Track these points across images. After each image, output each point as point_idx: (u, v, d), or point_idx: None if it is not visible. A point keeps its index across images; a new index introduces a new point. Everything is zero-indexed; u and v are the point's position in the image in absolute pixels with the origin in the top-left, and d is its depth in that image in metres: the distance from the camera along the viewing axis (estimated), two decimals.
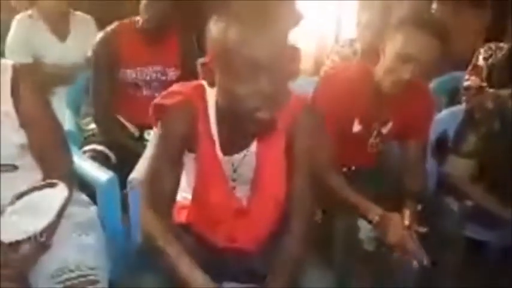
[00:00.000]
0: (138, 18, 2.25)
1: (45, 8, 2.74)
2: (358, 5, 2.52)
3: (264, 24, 1.14)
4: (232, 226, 1.41)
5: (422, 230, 1.70)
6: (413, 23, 1.70)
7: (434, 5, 2.65)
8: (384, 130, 1.90)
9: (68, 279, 1.31)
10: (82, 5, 2.91)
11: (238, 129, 1.26)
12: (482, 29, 2.65)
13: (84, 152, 2.14)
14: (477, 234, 1.96)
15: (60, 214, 1.31)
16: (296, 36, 1.81)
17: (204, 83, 1.27)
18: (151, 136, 1.46)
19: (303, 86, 1.94)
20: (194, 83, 1.34)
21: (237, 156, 1.34)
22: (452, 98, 2.47)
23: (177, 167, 1.33)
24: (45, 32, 2.76)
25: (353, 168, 1.99)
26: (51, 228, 1.29)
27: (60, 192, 1.32)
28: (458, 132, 1.99)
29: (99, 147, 2.17)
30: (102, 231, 1.54)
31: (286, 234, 1.36)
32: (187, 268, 1.25)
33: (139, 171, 1.62)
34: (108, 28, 2.28)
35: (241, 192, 1.39)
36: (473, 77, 2.33)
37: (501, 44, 2.35)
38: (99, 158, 2.08)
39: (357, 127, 1.85)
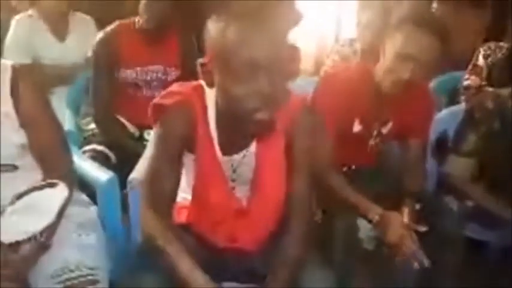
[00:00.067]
0: (138, 18, 2.25)
1: (45, 8, 2.74)
2: (358, 5, 2.52)
3: (263, 24, 1.14)
4: (232, 226, 1.41)
5: (422, 229, 1.70)
6: (413, 22, 1.70)
7: (434, 5, 2.65)
8: (384, 130, 1.90)
9: (68, 279, 1.31)
10: (82, 5, 2.91)
11: (237, 129, 1.26)
12: (482, 29, 2.65)
13: (84, 152, 2.14)
14: (477, 234, 1.96)
15: (60, 214, 1.31)
16: (296, 36, 1.80)
17: (203, 83, 1.27)
18: (151, 136, 1.46)
19: (303, 86, 1.95)
20: (193, 83, 1.34)
21: (236, 157, 1.34)
22: (452, 97, 2.47)
23: (177, 167, 1.33)
24: (44, 32, 2.76)
25: (353, 167, 1.99)
26: (51, 228, 1.29)
27: (60, 192, 1.32)
28: (458, 132, 1.99)
29: (99, 147, 2.17)
30: (102, 231, 1.54)
31: (286, 234, 1.36)
32: (188, 268, 1.25)
33: (139, 171, 1.62)
34: (108, 28, 2.28)
35: (241, 193, 1.39)
36: (473, 77, 2.33)
37: (501, 44, 2.35)
38: (99, 158, 2.07)
39: (357, 127, 1.86)
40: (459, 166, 1.98)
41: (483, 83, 2.29)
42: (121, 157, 2.14)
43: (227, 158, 1.35)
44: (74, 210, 1.46)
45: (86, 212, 1.54)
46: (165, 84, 2.15)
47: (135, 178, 1.63)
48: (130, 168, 1.68)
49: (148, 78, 2.29)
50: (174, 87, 1.36)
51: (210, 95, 1.29)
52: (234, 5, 1.18)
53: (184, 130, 1.30)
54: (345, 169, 1.95)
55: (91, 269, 1.35)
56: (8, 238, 1.23)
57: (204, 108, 1.31)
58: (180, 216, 1.43)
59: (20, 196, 1.30)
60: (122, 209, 1.70)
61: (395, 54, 1.71)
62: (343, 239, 1.82)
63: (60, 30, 2.79)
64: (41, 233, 1.26)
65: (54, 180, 1.35)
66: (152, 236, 1.29)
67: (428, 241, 1.69)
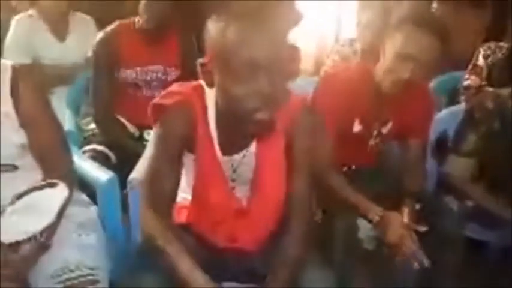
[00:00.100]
0: (138, 18, 2.25)
1: (45, 8, 2.74)
2: (358, 5, 2.52)
3: (263, 24, 1.14)
4: (232, 226, 1.41)
5: (422, 229, 1.70)
6: (413, 22, 1.69)
7: (434, 5, 2.65)
8: (384, 130, 1.90)
9: (68, 279, 1.31)
10: (82, 5, 2.91)
11: (237, 129, 1.26)
12: (482, 29, 2.65)
13: (84, 152, 2.14)
14: (477, 234, 1.96)
15: (60, 214, 1.31)
16: (296, 36, 1.81)
17: (203, 83, 1.27)
18: (151, 136, 1.46)
19: (303, 86, 1.94)
20: (193, 83, 1.34)
21: (236, 157, 1.34)
22: (452, 97, 2.47)
23: (177, 167, 1.33)
24: (44, 32, 2.76)
25: (353, 167, 1.99)
26: (51, 228, 1.29)
27: (60, 192, 1.32)
28: (458, 132, 1.99)
29: (99, 147, 2.17)
30: (102, 231, 1.54)
31: (286, 234, 1.36)
32: (188, 268, 1.25)
33: (139, 171, 1.62)
34: (108, 28, 2.28)
35: (241, 193, 1.39)
36: (473, 77, 2.33)
37: (501, 44, 2.35)
38: (99, 158, 2.07)
39: (357, 127, 1.85)
40: (459, 166, 1.98)
41: (483, 83, 2.29)
42: (121, 157, 2.14)
43: (227, 158, 1.35)
44: (74, 210, 1.46)
45: (86, 212, 1.54)
46: (165, 84, 2.15)
47: (135, 178, 1.63)
48: (130, 168, 1.68)
49: (148, 78, 2.29)
50: (174, 87, 1.36)
51: (210, 95, 1.29)
52: (234, 5, 1.18)
53: (184, 130, 1.30)
54: (345, 169, 1.95)
55: (91, 269, 1.35)
56: (8, 238, 1.23)
57: (204, 108, 1.31)
58: (180, 216, 1.43)
59: (20, 196, 1.30)
60: (122, 209, 1.70)
61: (395, 54, 1.71)
62: (343, 239, 1.82)
63: (60, 30, 2.79)
64: (41, 233, 1.26)
65: (54, 180, 1.35)
66: (152, 236, 1.29)
67: (428, 241, 1.69)
